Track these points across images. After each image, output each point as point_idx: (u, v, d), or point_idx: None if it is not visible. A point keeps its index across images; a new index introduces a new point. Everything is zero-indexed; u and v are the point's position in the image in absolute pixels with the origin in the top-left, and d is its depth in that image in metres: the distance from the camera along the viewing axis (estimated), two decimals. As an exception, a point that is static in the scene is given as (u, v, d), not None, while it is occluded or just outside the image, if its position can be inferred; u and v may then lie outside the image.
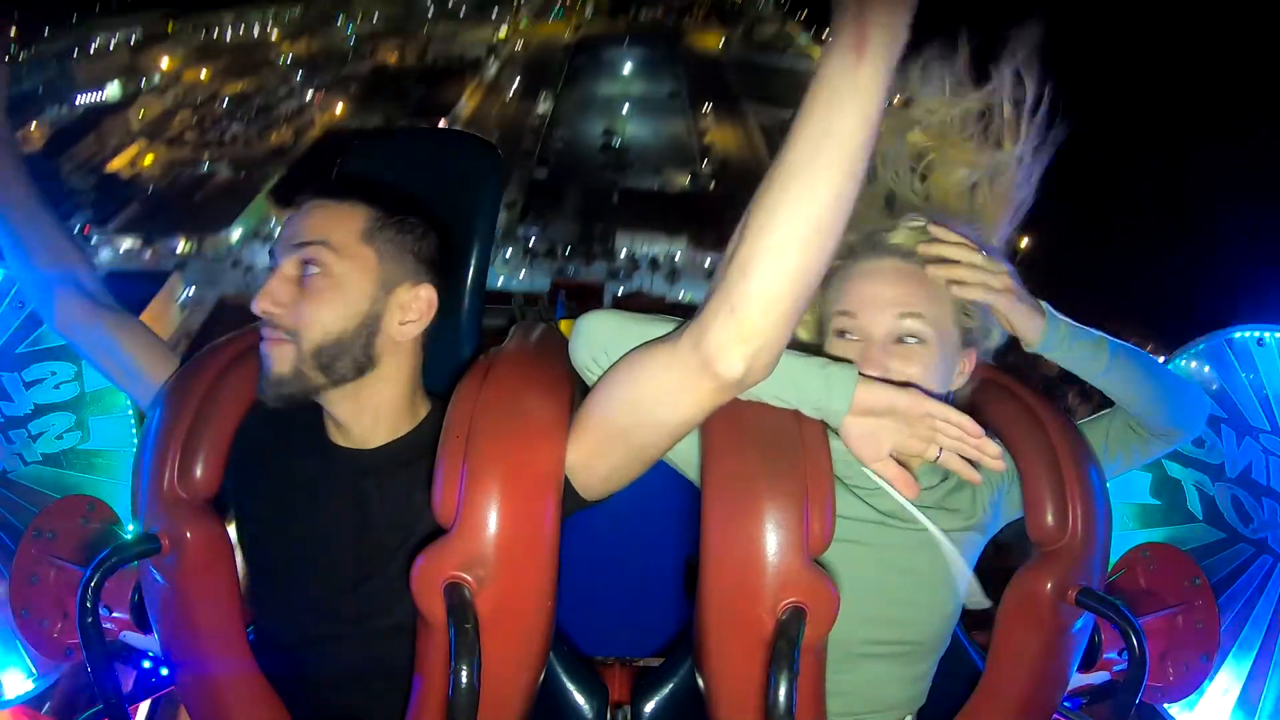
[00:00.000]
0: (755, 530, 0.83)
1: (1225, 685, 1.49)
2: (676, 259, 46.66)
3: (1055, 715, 1.07)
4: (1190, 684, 1.33)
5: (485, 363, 0.94)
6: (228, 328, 1.15)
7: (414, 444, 1.00)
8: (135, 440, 1.64)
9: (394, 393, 0.99)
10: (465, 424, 0.86)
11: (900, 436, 0.88)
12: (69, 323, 1.15)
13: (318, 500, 0.99)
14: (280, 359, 0.93)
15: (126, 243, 43.04)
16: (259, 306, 0.93)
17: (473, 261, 1.24)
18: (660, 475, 0.99)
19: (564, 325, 1.10)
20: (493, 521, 0.82)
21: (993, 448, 0.88)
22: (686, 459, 0.95)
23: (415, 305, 0.98)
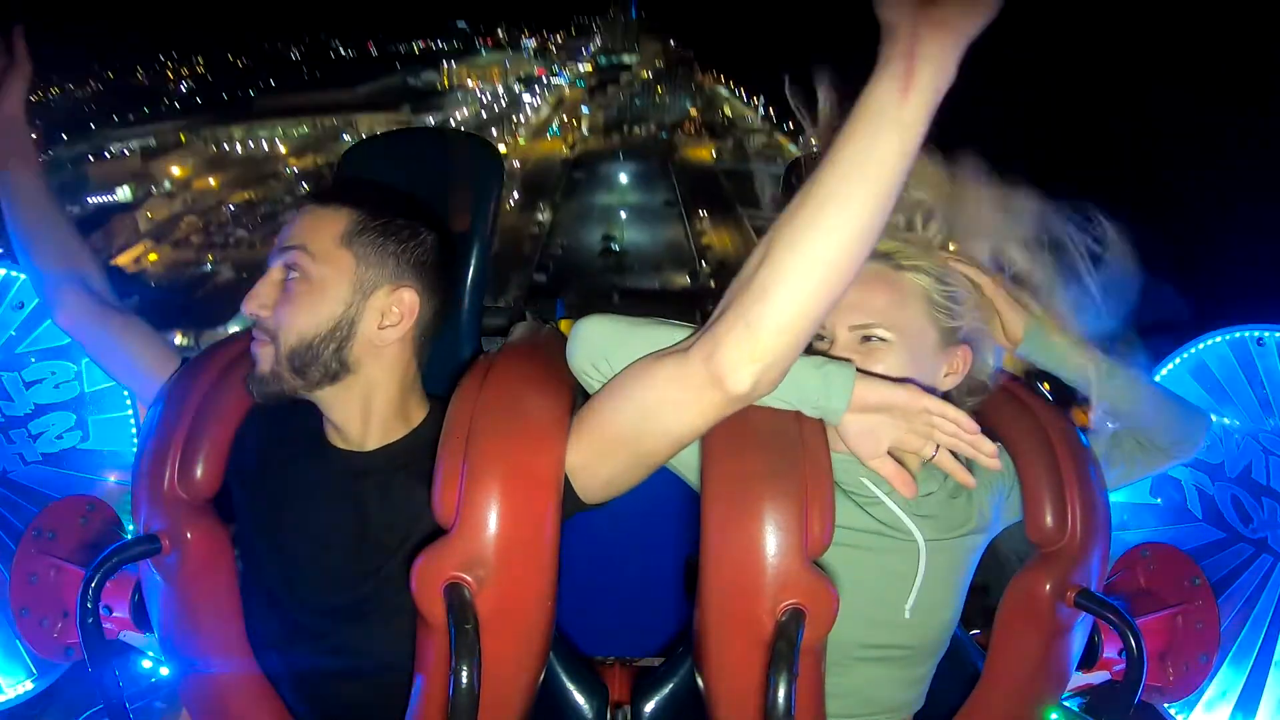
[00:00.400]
0: (755, 531, 0.82)
1: (1225, 685, 1.49)
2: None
3: (1054, 715, 1.07)
4: (1190, 684, 1.33)
5: (485, 363, 0.94)
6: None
7: (410, 447, 0.99)
8: (135, 440, 1.64)
9: (383, 396, 0.99)
10: (465, 424, 0.86)
11: (898, 432, 0.89)
12: (75, 319, 1.17)
13: (316, 501, 0.99)
14: (262, 359, 0.95)
15: (125, 336, 42.72)
16: (246, 308, 0.95)
17: (473, 261, 1.23)
18: (661, 475, 0.98)
19: (564, 325, 1.10)
20: (493, 522, 0.82)
21: (988, 445, 0.88)
22: (686, 462, 0.95)
23: (396, 309, 0.97)
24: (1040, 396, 1.09)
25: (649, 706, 1.21)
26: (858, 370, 0.88)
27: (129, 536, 1.00)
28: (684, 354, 0.78)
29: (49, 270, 1.19)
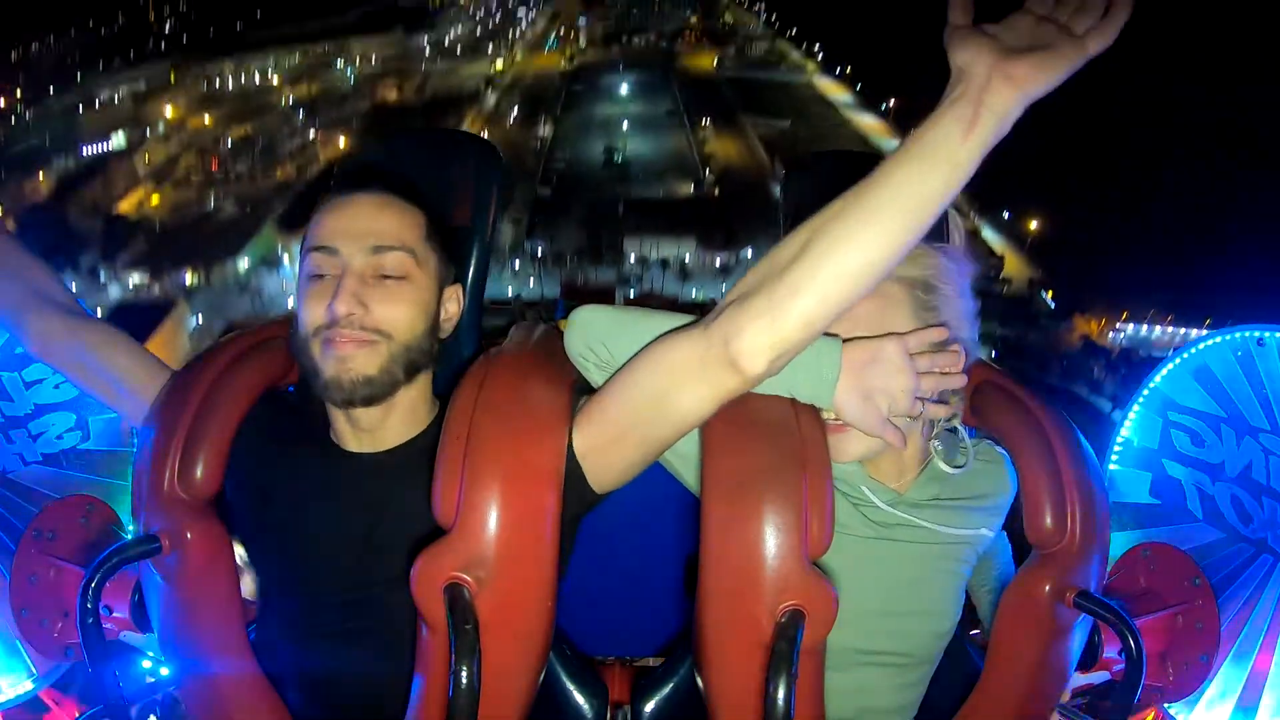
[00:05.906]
0: (755, 532, 0.83)
1: (1225, 685, 1.49)
2: (686, 260, 47.01)
3: (1054, 715, 1.07)
4: (1190, 684, 1.33)
5: (485, 363, 0.94)
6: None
7: (422, 447, 0.98)
8: (135, 440, 1.64)
9: (421, 391, 1.02)
10: (465, 424, 0.86)
11: (891, 393, 0.88)
12: (48, 344, 1.09)
13: (326, 502, 0.98)
14: (368, 360, 0.93)
15: (135, 278, 43.89)
16: (342, 309, 0.91)
17: (473, 262, 1.23)
18: (661, 473, 0.99)
19: (564, 325, 1.11)
20: (493, 522, 0.82)
21: (955, 363, 0.93)
22: (685, 462, 0.95)
23: (453, 304, 1.03)
24: (1039, 397, 1.09)
25: (649, 706, 1.21)
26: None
27: (129, 536, 1.00)
28: (702, 334, 0.81)
29: (9, 298, 1.09)
